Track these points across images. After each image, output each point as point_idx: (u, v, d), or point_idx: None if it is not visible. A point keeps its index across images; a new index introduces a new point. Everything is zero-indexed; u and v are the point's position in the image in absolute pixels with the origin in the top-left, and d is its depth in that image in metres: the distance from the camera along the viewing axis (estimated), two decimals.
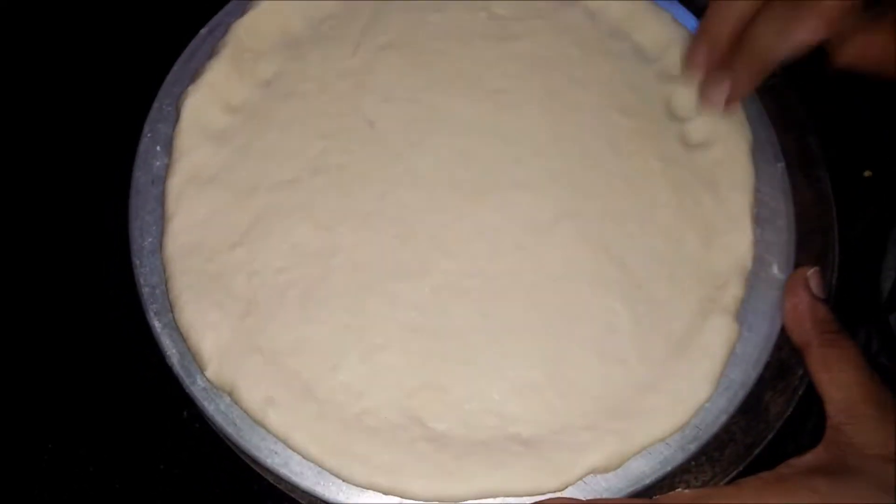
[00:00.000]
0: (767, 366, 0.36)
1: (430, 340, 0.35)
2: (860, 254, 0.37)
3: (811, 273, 0.36)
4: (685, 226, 0.37)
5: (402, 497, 0.32)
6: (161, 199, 0.36)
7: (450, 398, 0.34)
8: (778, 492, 0.30)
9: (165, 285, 0.34)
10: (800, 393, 0.36)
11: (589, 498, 0.33)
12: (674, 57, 0.40)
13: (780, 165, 0.40)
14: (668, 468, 0.33)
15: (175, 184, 0.36)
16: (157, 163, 0.37)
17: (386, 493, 0.32)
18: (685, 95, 0.39)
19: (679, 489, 0.32)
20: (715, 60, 0.37)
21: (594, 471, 0.33)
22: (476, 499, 0.32)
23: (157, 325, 0.34)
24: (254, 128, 0.38)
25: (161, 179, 0.37)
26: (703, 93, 0.38)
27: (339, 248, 0.36)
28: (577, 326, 0.35)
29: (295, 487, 0.32)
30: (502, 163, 0.38)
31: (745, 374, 0.35)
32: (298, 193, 0.37)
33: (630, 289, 0.36)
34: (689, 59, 0.39)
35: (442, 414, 0.33)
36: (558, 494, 0.32)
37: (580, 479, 0.33)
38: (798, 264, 0.37)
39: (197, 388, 0.33)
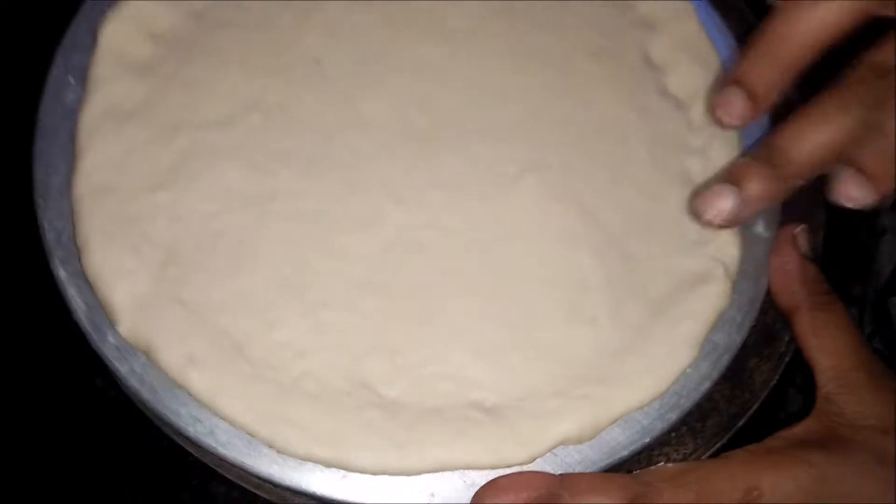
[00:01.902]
0: (752, 331, 0.33)
1: (381, 298, 0.31)
2: (849, 215, 0.35)
3: (799, 231, 0.33)
4: (664, 182, 0.34)
5: (345, 470, 0.28)
6: (73, 135, 0.31)
7: (402, 362, 0.30)
8: (770, 465, 0.27)
9: (73, 229, 0.30)
10: (786, 360, 0.34)
11: (560, 472, 0.29)
12: (651, 2, 0.37)
13: (764, 120, 0.37)
14: (647, 439, 0.30)
15: (89, 117, 0.32)
16: (70, 95, 0.32)
17: (327, 465, 0.28)
18: (664, 43, 0.36)
19: (661, 463, 0.29)
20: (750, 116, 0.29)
21: (565, 441, 0.29)
22: (431, 472, 0.28)
23: (62, 273, 0.29)
24: (182, 59, 0.34)
25: (73, 114, 0.32)
26: (699, 196, 0.29)
27: (279, 193, 0.32)
28: (544, 284, 0.32)
29: (222, 460, 0.28)
30: (463, 109, 0.35)
31: (730, 338, 0.32)
32: (232, 133, 0.33)
33: (602, 245, 0.33)
34: (719, 105, 0.29)
35: (393, 379, 0.30)
36: (526, 468, 0.29)
37: (550, 450, 0.29)
38: (784, 223, 0.35)
39: (107, 346, 0.28)
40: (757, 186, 0.28)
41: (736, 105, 0.29)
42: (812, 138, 0.27)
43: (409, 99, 0.34)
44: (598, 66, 0.36)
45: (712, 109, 0.29)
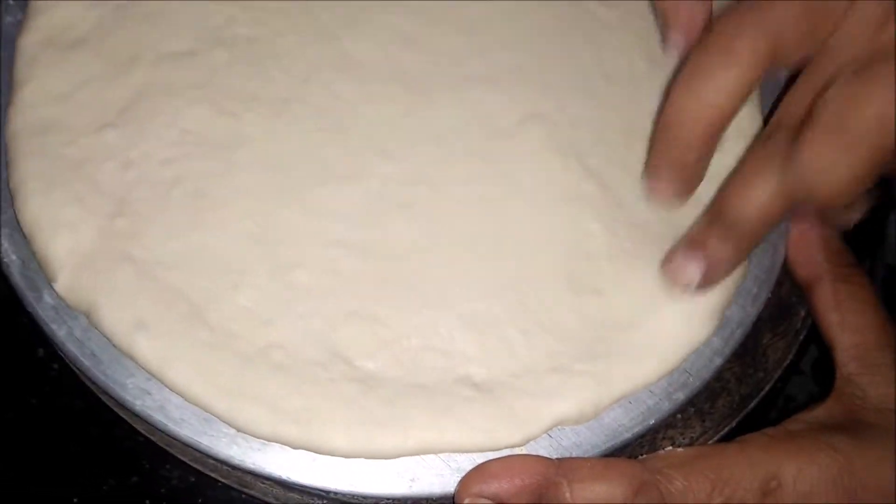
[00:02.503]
0: (766, 305, 0.30)
1: (361, 260, 0.28)
2: None
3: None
4: None
5: (316, 451, 0.25)
6: (9, 64, 0.28)
7: (384, 332, 0.27)
8: (792, 451, 0.25)
9: (6, 171, 0.26)
10: (801, 337, 0.31)
11: (556, 457, 0.26)
12: None
13: (782, 75, 0.34)
14: (652, 420, 0.27)
15: (28, 44, 0.28)
16: (8, 18, 0.29)
17: (295, 446, 0.25)
18: None
19: (668, 448, 0.26)
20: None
21: (563, 422, 0.26)
22: (414, 454, 0.25)
23: None
24: None
25: (12, 40, 0.28)
26: (667, 265, 0.28)
27: (246, 139, 0.29)
28: (544, 249, 0.29)
29: (174, 439, 0.24)
30: (459, 53, 0.32)
31: (743, 312, 0.29)
32: (194, 69, 0.29)
33: (608, 207, 0.30)
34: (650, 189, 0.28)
35: (373, 350, 0.27)
36: (519, 451, 0.26)
37: (546, 431, 0.26)
38: None
39: (43, 307, 0.25)
40: (719, 250, 0.27)
41: (665, 191, 0.28)
42: (753, 197, 0.25)
43: (399, 38, 0.31)
44: (608, 11, 0.33)
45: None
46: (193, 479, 0.30)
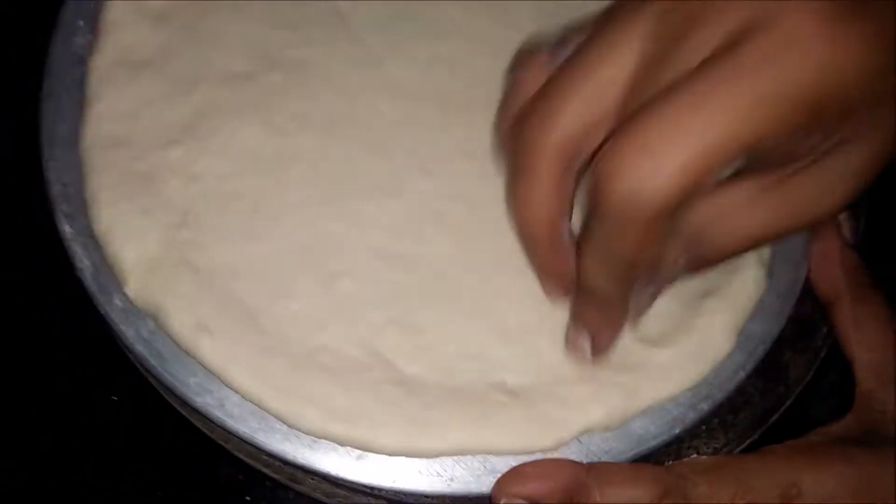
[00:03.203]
0: (788, 322, 0.31)
1: (402, 270, 0.29)
2: (890, 202, 0.33)
3: (842, 216, 0.32)
4: None
5: (362, 449, 0.26)
6: (82, 83, 0.30)
7: (423, 338, 0.28)
8: (811, 462, 0.26)
9: (82, 183, 0.28)
10: (822, 354, 0.32)
11: (587, 461, 0.27)
12: None
13: None
14: (677, 430, 0.29)
15: (100, 64, 0.30)
16: (80, 40, 0.31)
17: (343, 443, 0.26)
18: None
19: (693, 456, 0.27)
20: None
21: (593, 429, 0.28)
22: (452, 455, 0.27)
23: (67, 230, 0.28)
24: (200, 9, 0.32)
25: (83, 60, 0.30)
26: (567, 342, 0.28)
27: (298, 156, 0.30)
28: None
29: (231, 434, 0.26)
30: (493, 76, 0.33)
31: (766, 328, 0.31)
32: (251, 90, 0.31)
33: None
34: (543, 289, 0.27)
35: (413, 355, 0.28)
36: (550, 455, 0.27)
37: (576, 437, 0.27)
38: None
39: (113, 309, 0.27)
40: (594, 321, 0.26)
41: (554, 292, 0.27)
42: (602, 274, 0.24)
43: (438, 62, 0.33)
44: None
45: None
46: (241, 477, 0.31)
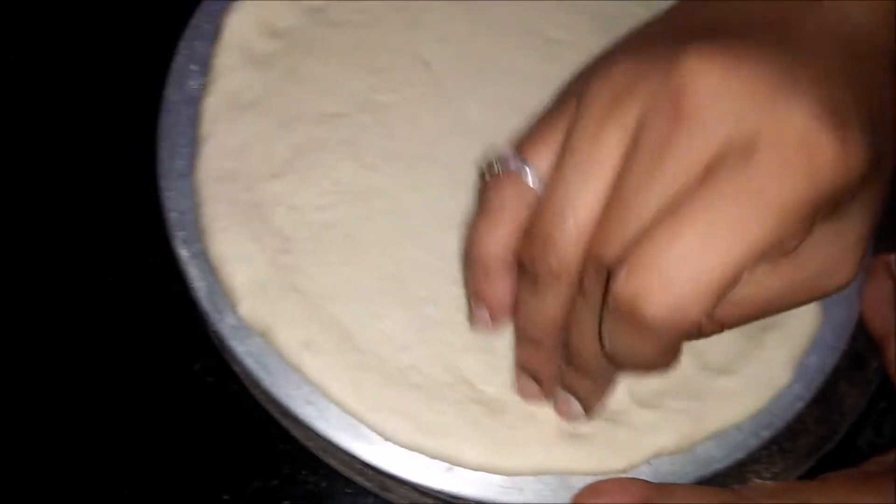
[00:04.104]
0: (842, 355, 0.33)
1: None
2: None
3: (893, 259, 0.33)
4: None
5: (449, 462, 0.28)
6: (194, 121, 0.33)
7: (498, 362, 0.30)
8: (870, 489, 0.28)
9: (196, 212, 0.31)
10: (873, 387, 0.34)
11: (656, 482, 0.29)
12: None
13: None
14: (740, 455, 0.30)
15: (211, 105, 0.33)
16: (192, 83, 0.33)
17: (432, 456, 0.28)
18: None
19: (757, 480, 0.29)
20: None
21: (662, 452, 0.30)
22: (531, 474, 0.29)
23: (184, 253, 0.30)
24: (299, 55, 0.35)
25: (195, 100, 0.33)
26: (555, 406, 0.29)
27: (385, 190, 0.33)
28: None
29: (329, 443, 0.28)
30: None
31: (822, 361, 0.32)
32: (343, 128, 0.34)
33: None
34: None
35: (490, 377, 0.30)
36: (623, 475, 0.29)
37: (647, 460, 0.29)
38: (878, 251, 0.35)
39: (225, 326, 0.29)
40: (580, 387, 0.27)
41: (480, 321, 0.28)
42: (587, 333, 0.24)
43: (507, 104, 0.35)
44: None
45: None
46: (325, 485, 0.33)
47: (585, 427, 0.29)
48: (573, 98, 0.24)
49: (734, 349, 0.32)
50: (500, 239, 0.25)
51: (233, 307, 0.29)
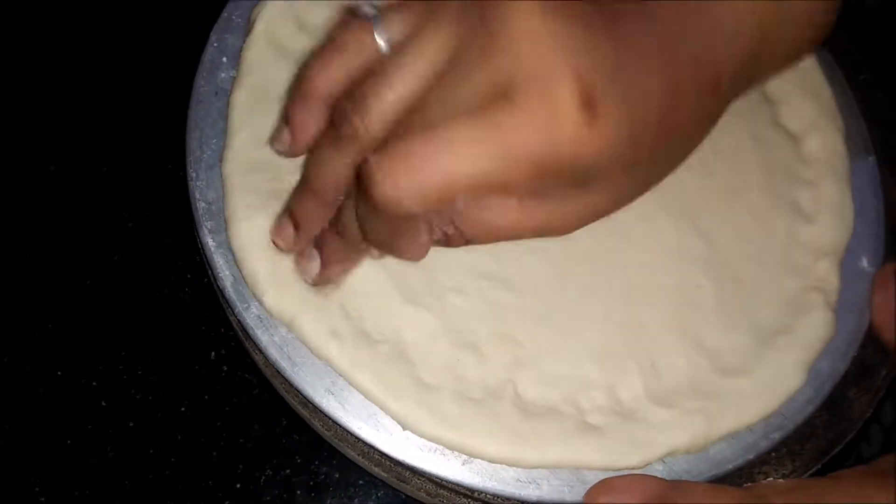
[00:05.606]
0: (852, 362, 0.34)
1: (504, 291, 0.32)
2: None
3: None
4: (776, 210, 0.35)
5: (468, 455, 0.29)
6: (224, 113, 0.33)
7: (523, 354, 0.31)
8: (881, 486, 0.28)
9: (223, 202, 0.31)
10: (881, 394, 0.34)
11: (669, 479, 0.30)
12: None
13: (871, 159, 0.38)
14: (751, 455, 0.31)
15: (242, 97, 0.33)
16: (223, 74, 0.34)
17: (452, 448, 0.29)
18: (779, 77, 0.37)
19: (769, 479, 0.30)
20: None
21: (677, 451, 0.30)
22: (548, 468, 0.29)
23: (210, 242, 0.31)
24: None
25: (225, 92, 0.34)
26: (296, 265, 0.30)
27: None
28: (660, 297, 0.33)
29: (347, 435, 0.29)
30: None
31: (833, 367, 0.33)
32: None
33: (716, 265, 0.34)
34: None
35: (513, 370, 0.31)
36: (637, 472, 0.29)
37: (661, 458, 0.30)
38: (887, 259, 0.36)
39: (250, 316, 0.30)
40: (330, 252, 0.29)
41: (284, 140, 0.29)
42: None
43: None
44: None
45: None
46: (337, 476, 0.34)
47: (601, 420, 0.30)
48: None
49: (746, 350, 0.32)
50: (328, 76, 0.27)
51: (258, 297, 0.30)
